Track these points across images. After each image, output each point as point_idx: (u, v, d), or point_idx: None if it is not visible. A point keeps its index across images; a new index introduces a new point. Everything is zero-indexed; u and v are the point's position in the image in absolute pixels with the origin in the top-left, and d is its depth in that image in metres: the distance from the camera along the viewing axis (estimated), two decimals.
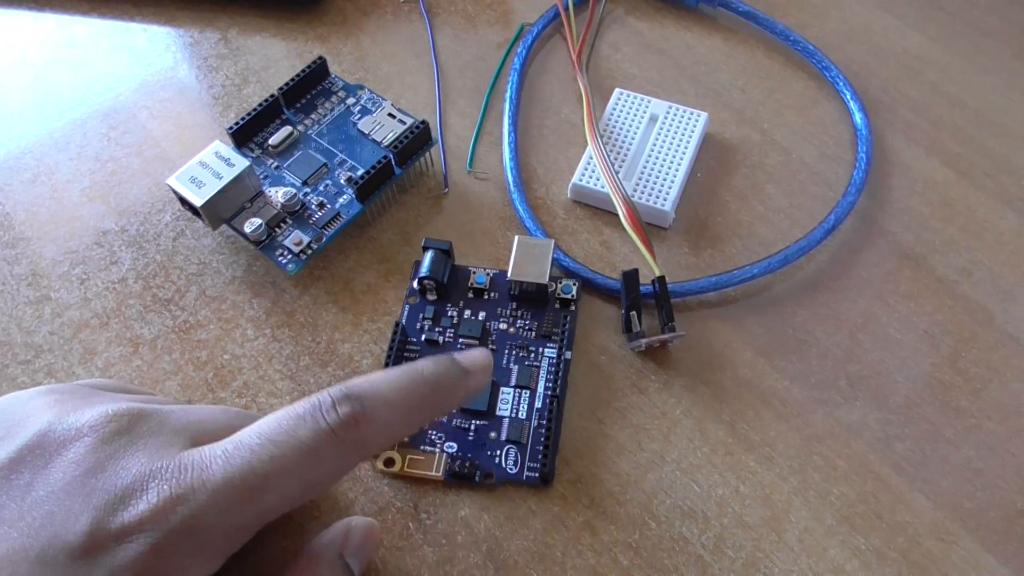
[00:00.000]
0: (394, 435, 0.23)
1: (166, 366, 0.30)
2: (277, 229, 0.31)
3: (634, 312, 0.29)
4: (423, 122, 0.33)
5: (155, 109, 0.38)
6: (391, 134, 0.33)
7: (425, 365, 0.24)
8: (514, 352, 0.30)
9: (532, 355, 0.29)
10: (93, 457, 0.21)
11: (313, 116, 0.34)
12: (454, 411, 0.28)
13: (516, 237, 0.30)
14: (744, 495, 0.27)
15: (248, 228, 0.31)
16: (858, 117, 0.35)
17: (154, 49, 0.40)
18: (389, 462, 0.27)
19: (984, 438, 0.28)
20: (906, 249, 0.32)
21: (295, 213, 0.32)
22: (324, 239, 0.31)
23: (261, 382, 0.30)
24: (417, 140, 0.32)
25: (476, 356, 0.25)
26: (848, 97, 0.36)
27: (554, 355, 0.29)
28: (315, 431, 0.21)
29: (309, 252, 0.31)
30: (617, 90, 0.36)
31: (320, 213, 0.32)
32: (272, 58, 0.39)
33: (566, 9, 0.39)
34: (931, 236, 0.32)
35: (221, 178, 0.31)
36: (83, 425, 0.22)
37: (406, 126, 0.33)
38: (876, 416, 0.28)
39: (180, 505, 0.20)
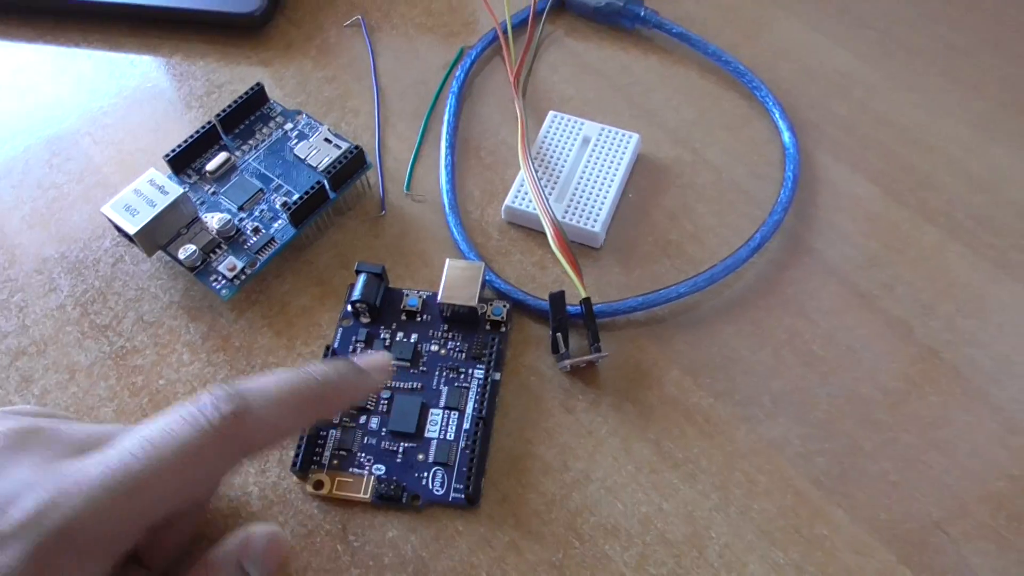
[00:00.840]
0: (279, 433, 0.24)
1: (102, 392, 0.31)
2: (212, 255, 0.32)
3: (560, 333, 0.30)
4: (357, 147, 0.33)
5: (98, 135, 0.38)
6: (326, 158, 0.34)
7: (316, 366, 0.24)
8: (444, 374, 0.30)
9: (462, 376, 0.30)
10: None
11: (251, 141, 0.35)
12: (383, 432, 0.29)
13: (447, 260, 0.31)
14: (667, 512, 0.28)
15: (182, 254, 0.31)
16: (787, 136, 0.36)
17: (99, 75, 0.40)
18: (318, 484, 0.28)
19: (901, 451, 0.29)
20: (831, 265, 0.33)
21: (230, 238, 0.32)
22: (258, 264, 0.32)
23: None
24: (351, 164, 0.33)
25: (374, 356, 0.26)
26: (777, 116, 0.37)
27: (483, 376, 0.30)
28: (196, 429, 0.21)
29: (243, 277, 0.31)
30: (551, 113, 0.37)
31: (255, 238, 0.32)
32: (215, 83, 0.40)
33: (504, 32, 0.39)
34: (855, 252, 0.33)
35: (155, 206, 0.31)
36: None
37: (341, 150, 0.34)
38: (797, 431, 0.29)
39: (53, 510, 0.20)
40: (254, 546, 0.24)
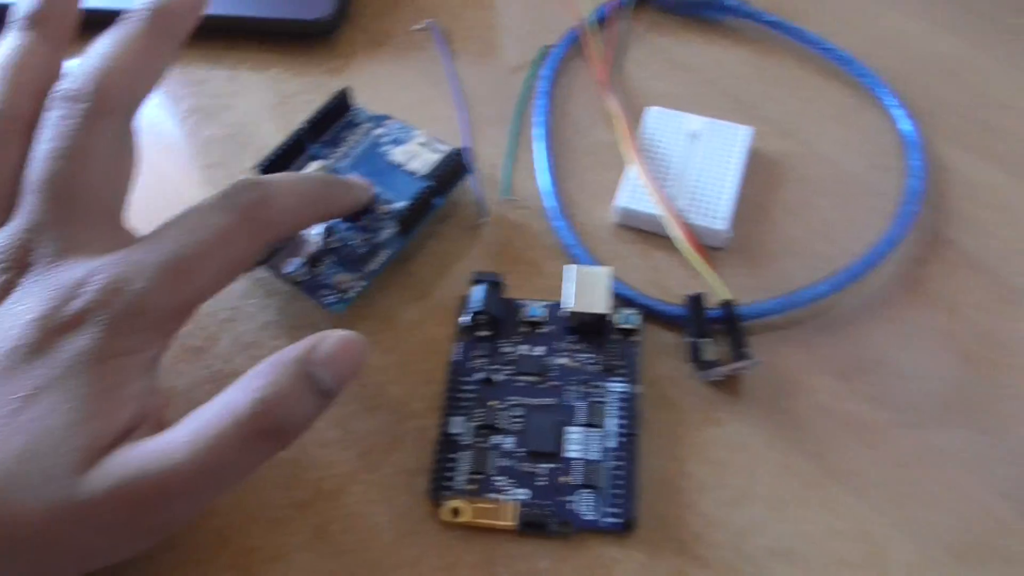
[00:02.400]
0: (297, 219, 0.27)
1: None
2: (317, 268, 0.29)
3: (704, 340, 0.28)
4: (460, 149, 0.31)
5: (168, 150, 0.36)
6: (426, 164, 0.31)
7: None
8: (578, 388, 0.28)
9: (597, 390, 0.27)
10: (20, 290, 0.23)
11: (341, 148, 0.32)
12: (519, 453, 0.26)
13: (573, 267, 0.29)
14: (841, 531, 0.25)
15: (288, 268, 0.29)
16: (905, 124, 0.34)
17: (164, 89, 0.38)
18: (455, 512, 0.25)
19: None
20: (974, 259, 0.31)
21: (335, 251, 0.30)
22: (368, 276, 0.29)
23: (308, 433, 0.27)
24: (455, 168, 0.31)
25: (354, 177, 0.30)
26: (891, 104, 0.35)
27: (622, 389, 0.27)
28: (226, 216, 0.24)
29: (355, 290, 0.29)
30: (652, 108, 0.34)
31: (362, 249, 0.30)
32: (286, 93, 0.38)
33: (587, 29, 0.37)
34: (997, 243, 0.31)
35: None
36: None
37: (441, 154, 0.32)
38: (970, 439, 0.27)
39: (119, 292, 0.22)
40: (324, 347, 0.23)
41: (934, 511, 0.25)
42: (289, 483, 0.27)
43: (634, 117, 0.35)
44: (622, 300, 0.30)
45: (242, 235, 0.24)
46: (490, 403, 0.27)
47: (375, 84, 0.37)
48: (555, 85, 0.37)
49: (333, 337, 0.23)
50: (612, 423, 0.27)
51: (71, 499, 0.21)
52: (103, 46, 0.25)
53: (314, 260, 0.29)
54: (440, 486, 0.26)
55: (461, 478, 0.26)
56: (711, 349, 0.27)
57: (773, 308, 0.29)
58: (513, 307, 0.30)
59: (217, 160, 0.35)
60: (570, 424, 0.27)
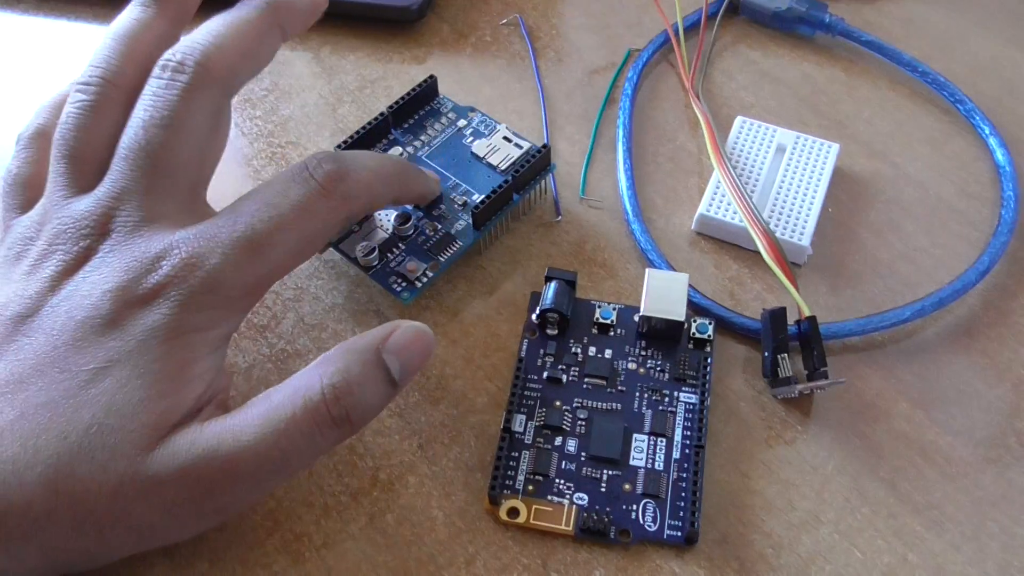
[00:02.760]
0: (372, 197, 0.26)
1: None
2: (388, 254, 0.29)
3: (782, 355, 0.27)
4: (544, 146, 0.30)
5: (246, 127, 0.36)
6: (508, 158, 0.31)
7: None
8: (646, 395, 0.27)
9: (666, 399, 0.27)
10: (99, 256, 0.23)
11: (423, 137, 0.32)
12: (582, 456, 0.26)
13: (647, 270, 0.28)
14: (913, 564, 0.24)
15: (359, 253, 0.29)
16: (999, 154, 0.33)
17: None
18: (513, 512, 0.25)
19: None
20: None
21: (407, 238, 0.29)
22: (440, 267, 0.29)
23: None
24: (536, 165, 0.30)
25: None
26: (987, 132, 0.34)
27: (691, 400, 0.27)
28: (305, 188, 0.24)
29: (425, 280, 0.29)
30: (739, 118, 0.34)
31: (434, 239, 0.29)
32: (367, 78, 0.38)
33: (676, 35, 0.37)
34: None
35: None
36: (68, 236, 0.23)
37: (523, 150, 0.31)
38: None
39: (195, 268, 0.22)
40: (396, 337, 0.23)
41: (1015, 552, 0.24)
42: (344, 470, 0.26)
43: (719, 126, 0.34)
44: (697, 308, 0.29)
45: (320, 208, 0.24)
46: (555, 403, 0.27)
47: (457, 75, 0.37)
48: (639, 89, 0.36)
49: (406, 327, 0.23)
50: (678, 433, 0.26)
51: (137, 476, 0.21)
52: (215, 24, 0.25)
53: (385, 247, 0.29)
54: (499, 484, 0.25)
55: (520, 478, 0.25)
56: (788, 365, 0.27)
57: (854, 329, 0.28)
58: (585, 308, 0.29)
59: (294, 139, 0.35)
60: (636, 431, 0.26)
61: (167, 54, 0.24)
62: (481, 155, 0.31)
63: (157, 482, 0.21)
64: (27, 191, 0.25)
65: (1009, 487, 0.25)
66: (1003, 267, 0.30)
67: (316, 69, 0.38)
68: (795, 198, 0.31)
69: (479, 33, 0.39)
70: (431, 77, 0.33)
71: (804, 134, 0.33)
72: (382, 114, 0.32)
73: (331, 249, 0.30)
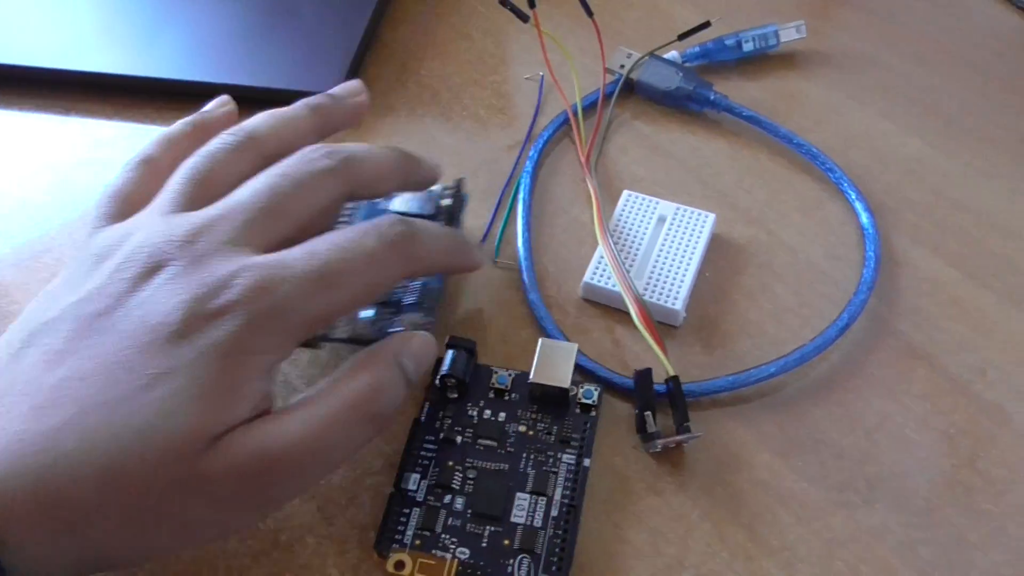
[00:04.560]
0: (435, 260, 0.29)
1: None
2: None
3: (648, 412, 0.29)
4: (460, 179, 0.34)
5: None
6: (426, 204, 0.34)
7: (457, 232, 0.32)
8: (532, 456, 0.29)
9: (550, 460, 0.29)
10: (179, 265, 0.25)
11: (345, 211, 0.35)
12: (468, 513, 0.28)
13: (540, 340, 0.30)
14: None
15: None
16: (864, 217, 0.36)
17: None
18: (399, 565, 0.27)
19: (1011, 543, 0.27)
20: (918, 349, 0.32)
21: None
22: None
23: None
24: (456, 203, 0.34)
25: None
26: (853, 198, 0.37)
27: (572, 462, 0.29)
28: (378, 241, 0.26)
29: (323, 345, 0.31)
30: (626, 192, 0.37)
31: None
32: None
33: (575, 114, 0.40)
34: (942, 336, 0.32)
35: None
36: (159, 242, 0.25)
37: (443, 197, 0.35)
38: (897, 519, 0.28)
39: (267, 292, 0.24)
40: (412, 343, 0.27)
41: None
42: (247, 533, 0.28)
43: (612, 198, 0.37)
44: (584, 372, 0.32)
45: (387, 261, 0.27)
46: (448, 463, 0.29)
47: None
48: (542, 165, 0.39)
49: (418, 337, 0.28)
50: (559, 493, 0.28)
51: (187, 476, 0.22)
52: (360, 146, 0.30)
53: None
54: (388, 538, 0.27)
55: (410, 533, 0.27)
56: (654, 421, 0.29)
57: (722, 386, 0.31)
58: (484, 373, 0.31)
59: None
60: (519, 490, 0.28)
61: (321, 145, 0.29)
62: (403, 210, 0.34)
63: (207, 480, 0.22)
64: (123, 207, 0.28)
65: (857, 528, 0.28)
66: (863, 324, 0.33)
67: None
68: (672, 265, 0.34)
69: (396, 115, 0.42)
70: None
71: (684, 205, 0.36)
72: None
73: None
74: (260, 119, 0.30)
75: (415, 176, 0.32)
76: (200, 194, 0.27)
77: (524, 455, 0.29)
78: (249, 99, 0.42)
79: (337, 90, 0.33)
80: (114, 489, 0.22)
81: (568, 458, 0.29)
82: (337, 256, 0.26)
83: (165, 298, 0.24)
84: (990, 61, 0.43)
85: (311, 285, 0.25)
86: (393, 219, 0.27)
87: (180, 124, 0.31)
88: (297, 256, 0.25)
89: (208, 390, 0.23)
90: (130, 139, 0.42)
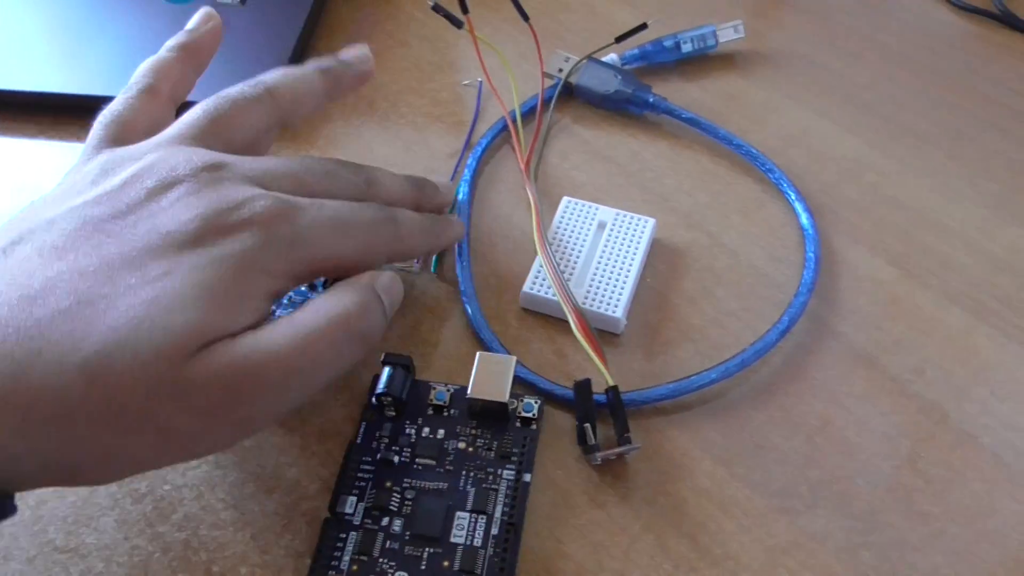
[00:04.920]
0: (416, 242, 0.30)
1: (102, 501, 0.29)
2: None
3: (588, 424, 0.29)
4: None
5: None
6: None
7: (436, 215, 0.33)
8: (472, 474, 0.29)
9: (490, 477, 0.28)
10: (198, 184, 0.25)
11: None
12: (406, 536, 0.27)
13: (478, 353, 0.30)
14: None
15: None
16: (804, 218, 0.36)
17: None
18: None
19: (951, 543, 0.27)
20: (858, 350, 0.32)
21: None
22: None
23: (203, 513, 0.28)
24: None
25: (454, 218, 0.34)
26: (793, 198, 0.37)
27: (512, 477, 0.28)
28: (373, 214, 0.28)
29: None
30: (565, 198, 0.36)
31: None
32: None
33: (514, 120, 0.39)
34: (882, 336, 0.32)
35: None
36: (181, 161, 0.25)
37: None
38: (840, 524, 0.28)
39: (285, 219, 0.25)
40: (383, 277, 0.28)
41: None
42: (179, 566, 0.27)
43: (552, 205, 0.37)
44: (524, 384, 0.31)
45: (381, 233, 0.28)
46: (386, 484, 0.28)
47: None
48: (481, 173, 0.39)
49: (387, 273, 0.28)
50: (499, 510, 0.28)
51: (174, 377, 0.22)
52: (400, 182, 0.32)
53: None
54: (323, 566, 0.26)
55: (346, 559, 0.27)
56: (594, 434, 0.29)
57: (663, 394, 0.30)
58: (423, 389, 0.31)
59: None
60: (459, 509, 0.28)
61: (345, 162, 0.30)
62: None
63: (192, 386, 0.22)
64: (126, 132, 0.28)
65: (799, 534, 0.28)
66: (802, 326, 0.33)
67: None
68: (612, 272, 0.34)
69: (332, 124, 0.41)
70: None
71: (624, 211, 0.36)
72: None
73: None
74: (276, 75, 0.30)
75: (431, 203, 0.33)
76: (216, 133, 0.28)
77: (464, 472, 0.29)
78: (181, 113, 0.41)
79: (345, 55, 0.33)
80: (99, 384, 0.21)
81: (508, 474, 0.29)
82: (345, 212, 0.27)
83: (182, 210, 0.24)
84: (925, 58, 0.43)
85: (323, 227, 0.26)
86: (380, 204, 0.29)
87: (167, 50, 0.31)
88: (310, 202, 0.26)
89: (212, 293, 0.23)
90: (57, 159, 0.40)
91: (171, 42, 0.32)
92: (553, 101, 0.41)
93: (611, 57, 0.42)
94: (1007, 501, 0.28)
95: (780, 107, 0.41)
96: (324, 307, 0.25)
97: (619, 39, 0.41)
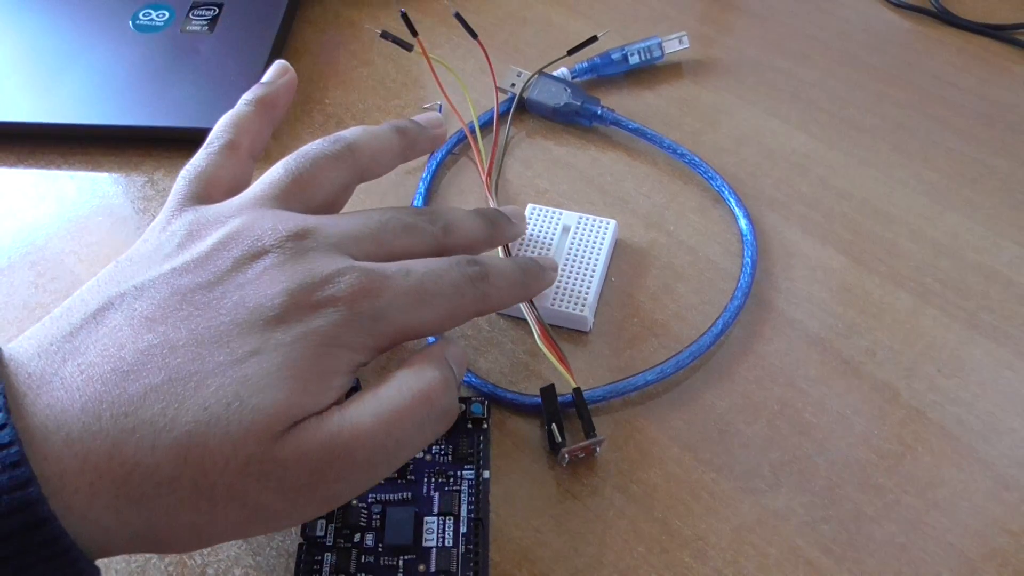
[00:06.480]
0: (504, 299, 0.30)
1: None
2: None
3: (555, 425, 0.30)
4: None
5: (82, 253, 0.39)
6: None
7: (527, 260, 0.32)
8: (433, 479, 0.30)
9: (452, 480, 0.30)
10: (284, 255, 0.25)
11: None
12: (379, 548, 0.28)
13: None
14: None
15: None
16: (743, 223, 0.37)
17: (81, 195, 0.41)
18: None
19: (904, 513, 0.29)
20: (812, 335, 0.34)
21: None
22: None
23: None
24: None
25: (546, 261, 0.33)
26: (733, 204, 0.38)
27: (472, 477, 0.30)
28: (460, 275, 0.27)
29: None
30: (530, 205, 0.38)
31: None
32: None
33: (472, 133, 0.41)
34: (834, 321, 0.34)
35: None
36: (267, 229, 0.26)
37: None
38: (800, 500, 0.30)
39: (370, 295, 0.25)
40: (452, 348, 0.28)
41: (766, 571, 0.28)
42: (175, 570, 0.28)
43: None
44: (474, 391, 0.33)
45: (467, 296, 0.28)
46: (352, 503, 0.29)
47: None
48: (446, 186, 0.40)
49: (454, 344, 0.29)
50: (464, 509, 0.29)
51: (264, 457, 0.22)
52: (474, 220, 0.32)
53: None
54: None
55: None
56: (561, 433, 0.30)
57: (619, 390, 0.32)
58: None
59: None
60: (427, 515, 0.29)
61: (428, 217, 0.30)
62: None
63: (281, 465, 0.22)
64: (210, 189, 0.28)
65: (763, 512, 0.29)
66: (759, 316, 0.35)
67: (150, 192, 0.41)
68: (578, 273, 0.35)
69: (301, 144, 0.42)
70: None
71: (586, 214, 0.37)
72: None
73: None
74: (355, 133, 0.31)
75: (506, 237, 0.33)
76: (299, 193, 0.28)
77: (425, 479, 0.30)
78: (153, 139, 0.43)
79: (421, 119, 0.35)
80: (191, 462, 0.22)
81: (468, 474, 0.30)
82: (430, 279, 0.27)
83: (268, 284, 0.24)
84: (867, 55, 0.45)
85: (407, 299, 0.26)
86: (470, 258, 0.28)
87: (245, 103, 0.32)
88: (395, 271, 0.26)
89: (300, 373, 0.23)
90: (35, 186, 0.41)
91: (248, 95, 0.32)
92: (510, 115, 0.42)
93: (562, 71, 0.44)
94: (954, 472, 0.30)
95: (731, 108, 0.43)
96: (408, 384, 0.25)
97: (571, 52, 0.43)
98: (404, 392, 0.25)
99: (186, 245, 0.25)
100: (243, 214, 0.26)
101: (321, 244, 0.26)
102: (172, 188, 0.29)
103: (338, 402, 0.24)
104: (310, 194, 0.28)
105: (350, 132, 0.31)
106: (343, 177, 0.30)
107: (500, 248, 0.34)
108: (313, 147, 0.30)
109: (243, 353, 0.23)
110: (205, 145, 0.30)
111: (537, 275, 0.32)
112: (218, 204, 0.27)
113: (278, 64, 0.34)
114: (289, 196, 0.28)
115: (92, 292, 0.24)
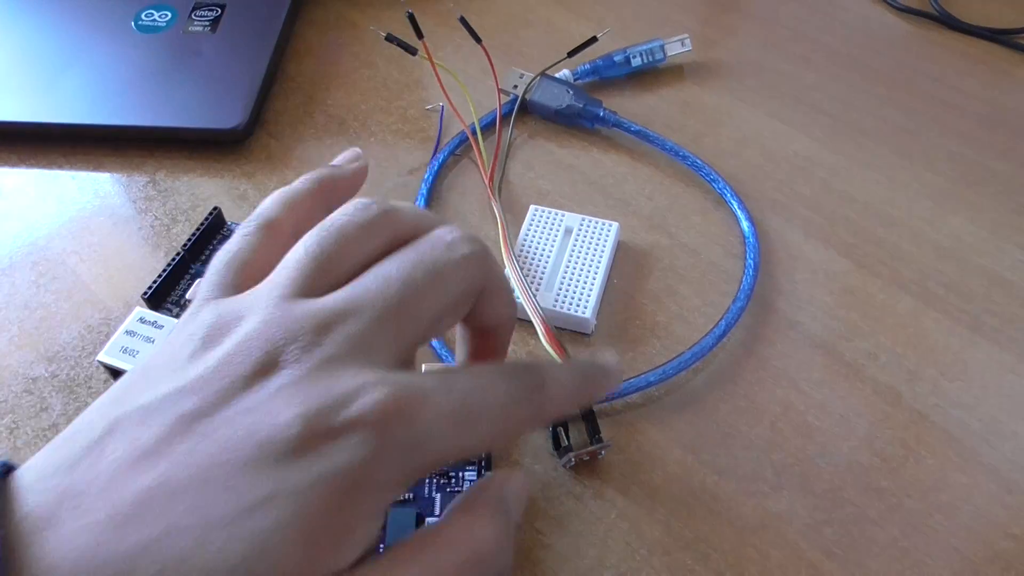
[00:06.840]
0: (560, 409, 0.25)
1: None
2: None
3: (560, 428, 0.30)
4: None
5: (84, 253, 0.39)
6: None
7: (587, 364, 0.27)
8: (434, 481, 0.30)
9: (453, 481, 0.30)
10: (298, 368, 0.21)
11: None
12: (380, 550, 0.28)
13: (423, 365, 0.31)
14: None
15: None
16: (745, 225, 0.37)
17: (82, 195, 0.41)
18: None
19: (906, 516, 0.29)
20: (815, 338, 0.34)
21: None
22: None
23: None
24: None
25: (610, 361, 0.27)
26: (736, 207, 0.38)
27: (474, 478, 0.30)
28: (512, 386, 0.23)
29: None
30: (533, 206, 0.38)
31: None
32: (200, 197, 0.40)
33: (474, 134, 0.41)
34: (836, 324, 0.34)
35: (154, 341, 0.31)
36: (279, 335, 0.21)
37: None
38: (803, 503, 0.29)
39: (403, 419, 0.20)
40: (513, 483, 0.24)
41: (768, 573, 0.28)
42: None
43: (520, 213, 0.38)
44: None
45: (518, 414, 0.23)
46: None
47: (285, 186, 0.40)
48: (440, 188, 0.40)
49: (516, 476, 0.25)
50: None
51: None
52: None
53: None
54: None
55: None
56: (567, 436, 0.30)
57: (625, 390, 0.32)
58: None
59: (131, 262, 0.38)
60: (429, 515, 0.29)
61: (452, 228, 0.25)
62: None
63: None
64: (240, 276, 0.24)
65: (766, 514, 0.29)
66: (762, 319, 0.35)
67: (151, 192, 0.41)
68: (580, 275, 0.35)
69: (304, 146, 0.43)
70: (215, 209, 0.37)
71: (589, 216, 0.37)
72: (179, 253, 0.35)
73: None
74: (400, 206, 0.26)
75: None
76: (323, 276, 0.23)
77: (427, 482, 0.30)
78: (155, 139, 0.43)
79: (338, 159, 0.29)
80: None
81: (470, 475, 0.30)
82: (476, 397, 0.22)
83: (279, 407, 0.20)
84: (868, 59, 0.45)
85: (447, 421, 0.21)
86: (528, 365, 0.24)
87: (304, 181, 0.27)
88: (434, 384, 0.21)
89: (318, 527, 0.19)
90: (36, 186, 0.41)
91: (310, 174, 0.28)
92: (512, 117, 0.42)
93: (564, 73, 0.44)
94: (957, 475, 0.30)
95: (733, 111, 0.43)
96: (455, 543, 0.22)
97: (571, 53, 0.43)
98: (453, 553, 0.21)
99: (198, 354, 0.22)
100: (256, 311, 0.22)
101: (341, 346, 0.21)
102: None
103: (365, 555, 0.21)
104: (337, 275, 0.24)
105: (383, 202, 0.26)
106: (378, 249, 0.24)
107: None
108: (341, 215, 0.25)
109: (252, 500, 0.19)
110: (243, 223, 0.26)
111: (598, 382, 0.27)
112: (240, 297, 0.23)
113: (351, 151, 0.30)
114: (312, 281, 0.23)
115: (100, 412, 0.22)
